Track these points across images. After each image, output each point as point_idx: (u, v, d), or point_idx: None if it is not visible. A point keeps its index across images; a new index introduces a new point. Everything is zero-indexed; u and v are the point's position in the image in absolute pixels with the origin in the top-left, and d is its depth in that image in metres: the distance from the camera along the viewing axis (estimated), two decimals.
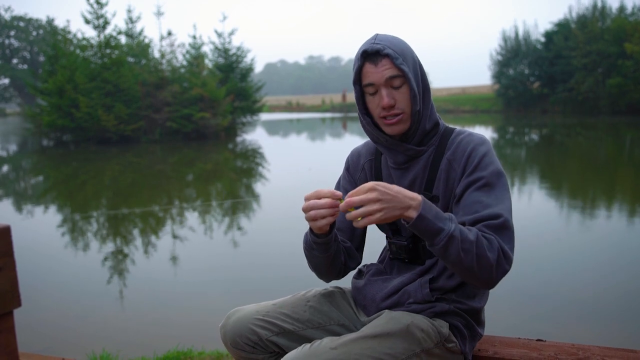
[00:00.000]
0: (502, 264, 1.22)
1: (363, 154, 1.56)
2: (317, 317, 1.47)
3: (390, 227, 1.52)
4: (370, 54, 1.32)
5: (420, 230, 1.19)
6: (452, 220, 1.21)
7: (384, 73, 1.31)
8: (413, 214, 1.18)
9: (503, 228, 1.24)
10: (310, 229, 1.39)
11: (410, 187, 1.43)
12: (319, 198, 1.25)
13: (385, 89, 1.32)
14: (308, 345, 1.28)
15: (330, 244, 1.39)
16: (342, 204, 1.18)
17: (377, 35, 1.35)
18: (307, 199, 1.27)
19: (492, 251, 1.21)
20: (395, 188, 1.18)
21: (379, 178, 1.51)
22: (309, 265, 1.51)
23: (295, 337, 1.41)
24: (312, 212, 1.25)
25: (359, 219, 1.17)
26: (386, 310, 1.41)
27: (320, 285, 1.60)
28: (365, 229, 1.57)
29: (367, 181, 1.54)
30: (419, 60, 1.39)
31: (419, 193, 1.42)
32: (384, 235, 1.60)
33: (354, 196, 1.17)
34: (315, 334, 1.43)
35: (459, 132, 1.42)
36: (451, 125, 1.47)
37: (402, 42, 1.36)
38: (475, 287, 1.41)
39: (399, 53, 1.31)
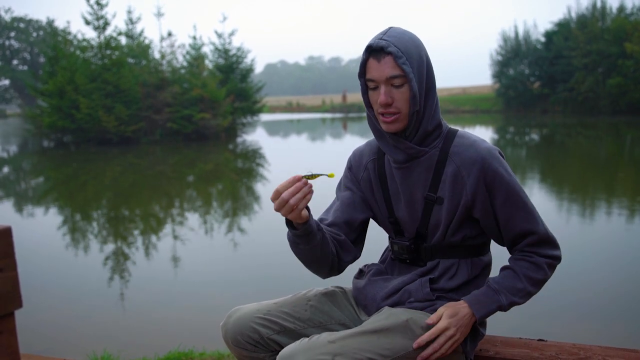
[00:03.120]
0: (552, 266, 1.42)
1: (366, 153, 1.55)
2: (318, 316, 1.47)
3: (393, 227, 1.52)
4: (375, 50, 1.31)
5: (485, 317, 1.38)
6: (498, 292, 1.36)
7: (385, 71, 1.30)
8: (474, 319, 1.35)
9: (543, 242, 1.41)
10: (288, 224, 1.39)
11: (414, 188, 1.42)
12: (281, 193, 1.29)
13: (384, 87, 1.32)
14: (306, 339, 1.28)
15: (312, 232, 1.37)
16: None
17: (389, 29, 1.34)
18: (273, 199, 1.30)
19: (540, 271, 1.40)
20: (456, 316, 1.33)
21: (382, 177, 1.50)
22: (302, 262, 1.49)
23: (296, 336, 1.41)
24: (292, 201, 1.27)
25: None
26: (386, 307, 1.41)
27: (321, 285, 1.60)
28: (365, 222, 1.56)
29: (370, 181, 1.53)
30: (427, 59, 1.37)
31: (424, 194, 1.42)
32: (385, 235, 1.59)
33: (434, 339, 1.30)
34: (316, 332, 1.43)
35: (463, 137, 1.40)
36: (453, 127, 1.46)
37: (411, 40, 1.33)
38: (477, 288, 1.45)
39: (404, 51, 1.30)
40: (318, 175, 1.34)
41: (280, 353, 1.26)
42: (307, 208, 1.36)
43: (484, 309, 1.34)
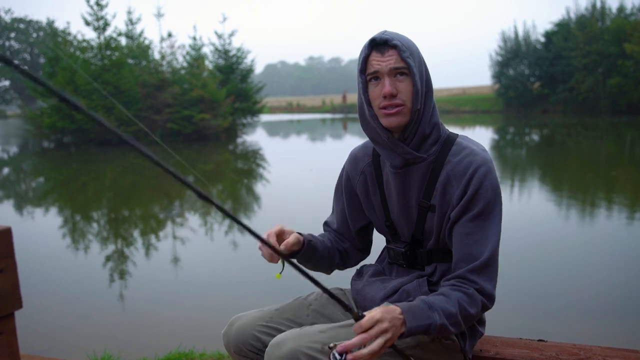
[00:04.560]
0: (485, 307, 1.30)
1: (361, 157, 1.55)
2: (320, 320, 1.47)
3: (389, 231, 1.51)
4: (379, 44, 1.32)
5: (414, 333, 1.21)
6: (433, 309, 1.22)
7: (390, 63, 1.31)
8: (403, 329, 1.19)
9: (485, 267, 1.29)
10: None
11: (409, 193, 1.42)
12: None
13: (388, 78, 1.31)
14: (298, 328, 1.31)
15: (308, 255, 1.45)
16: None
17: (385, 30, 1.35)
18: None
19: (474, 306, 1.27)
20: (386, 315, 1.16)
21: (379, 182, 1.49)
22: None
23: None
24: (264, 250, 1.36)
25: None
26: (385, 302, 1.41)
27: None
28: (367, 227, 1.58)
29: (366, 185, 1.53)
30: (424, 62, 1.38)
31: (417, 201, 1.40)
32: (383, 236, 1.60)
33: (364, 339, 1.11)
34: None
35: (461, 145, 1.37)
36: (454, 132, 1.43)
37: (410, 40, 1.37)
38: None
39: (407, 47, 1.31)
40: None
41: (272, 341, 1.27)
42: (301, 235, 1.43)
43: (415, 322, 1.19)
